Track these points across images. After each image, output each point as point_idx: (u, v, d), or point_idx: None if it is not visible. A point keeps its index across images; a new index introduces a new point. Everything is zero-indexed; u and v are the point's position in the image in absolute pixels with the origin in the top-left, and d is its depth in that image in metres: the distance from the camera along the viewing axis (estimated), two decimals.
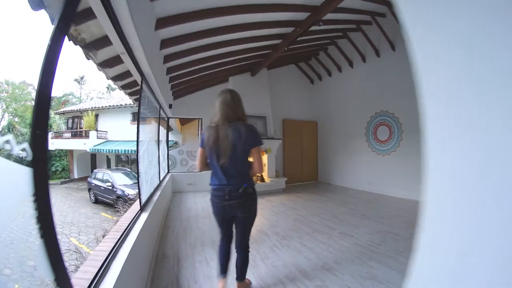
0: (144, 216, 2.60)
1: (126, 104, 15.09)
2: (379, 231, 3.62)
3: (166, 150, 6.58)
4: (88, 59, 2.69)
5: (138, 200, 2.75)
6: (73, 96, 29.58)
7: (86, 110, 16.92)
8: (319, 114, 9.05)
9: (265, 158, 6.86)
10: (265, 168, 6.82)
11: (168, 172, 6.63)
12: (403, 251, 2.91)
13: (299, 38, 5.23)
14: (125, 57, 2.48)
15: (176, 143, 7.17)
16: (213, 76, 6.58)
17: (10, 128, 16.10)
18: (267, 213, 4.76)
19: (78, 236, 7.20)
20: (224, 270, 2.03)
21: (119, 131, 15.40)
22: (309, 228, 3.85)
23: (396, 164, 6.03)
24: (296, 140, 7.87)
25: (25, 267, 5.60)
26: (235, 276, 2.10)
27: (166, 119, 6.68)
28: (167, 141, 6.67)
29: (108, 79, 3.64)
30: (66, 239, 6.91)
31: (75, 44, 1.99)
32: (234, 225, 2.03)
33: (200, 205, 5.38)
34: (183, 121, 11.21)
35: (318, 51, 8.28)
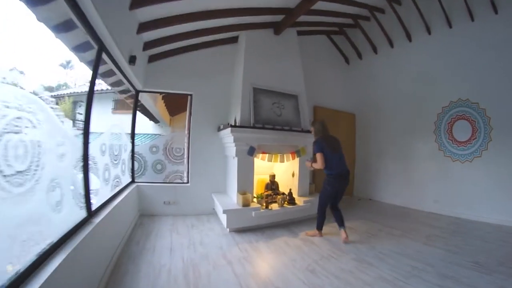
0: None
1: (108, 89, 12.46)
2: None
3: (131, 147, 3.93)
4: None
5: None
6: (66, 87, 26.84)
7: (63, 96, 14.29)
8: (358, 104, 6.54)
9: (295, 164, 4.19)
10: (295, 181, 4.15)
11: (133, 181, 3.99)
12: None
13: None
14: None
15: (158, 136, 4.53)
16: (214, 31, 3.98)
17: None
18: None
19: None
20: (342, 223, 3.18)
21: (100, 121, 12.66)
22: None
23: (481, 174, 4.32)
24: None
25: None
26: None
27: (134, 93, 4.06)
28: (133, 131, 4.01)
29: None
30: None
31: None
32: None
33: (179, 258, 2.70)
34: (173, 110, 8.53)
35: (360, 18, 5.75)
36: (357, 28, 6.02)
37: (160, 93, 4.42)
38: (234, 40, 4.55)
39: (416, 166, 5.21)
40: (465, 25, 4.51)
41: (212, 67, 4.37)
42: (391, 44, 5.74)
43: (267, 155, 3.79)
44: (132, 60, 3.05)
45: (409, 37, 5.36)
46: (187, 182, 4.18)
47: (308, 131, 4.17)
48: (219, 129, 4.11)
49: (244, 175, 3.61)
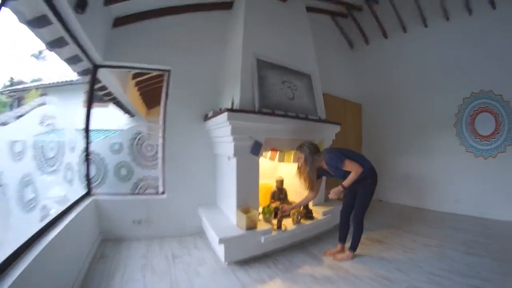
0: None
1: (78, 79, 11.02)
2: None
3: (84, 145, 2.80)
4: None
5: None
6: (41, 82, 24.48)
7: (29, 89, 12.62)
8: (364, 93, 5.93)
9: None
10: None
11: (89, 194, 2.84)
12: None
13: None
14: None
15: (123, 132, 3.38)
16: None
17: None
18: None
19: None
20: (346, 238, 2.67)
21: (69, 116, 11.13)
22: None
23: (506, 170, 4.07)
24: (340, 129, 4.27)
25: None
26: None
27: (91, 68, 2.94)
28: (87, 124, 2.87)
29: None
30: None
31: None
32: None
33: None
34: (151, 102, 7.33)
35: None
36: (363, 11, 5.36)
37: (128, 68, 3.25)
38: (226, 6, 3.52)
39: (434, 163, 4.82)
40: (486, 11, 4.20)
41: (197, 36, 3.27)
42: (404, 28, 5.16)
43: (278, 152, 2.75)
44: (81, 5, 1.94)
45: (424, 22, 4.86)
46: (163, 193, 3.04)
47: (326, 121, 3.23)
48: (206, 118, 2.99)
49: (247, 183, 2.53)
